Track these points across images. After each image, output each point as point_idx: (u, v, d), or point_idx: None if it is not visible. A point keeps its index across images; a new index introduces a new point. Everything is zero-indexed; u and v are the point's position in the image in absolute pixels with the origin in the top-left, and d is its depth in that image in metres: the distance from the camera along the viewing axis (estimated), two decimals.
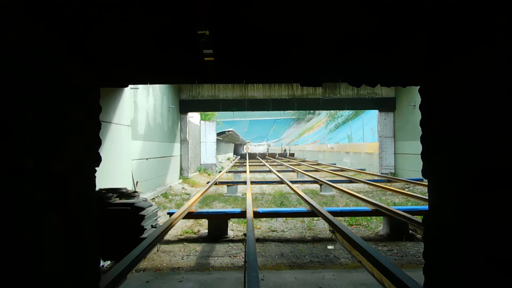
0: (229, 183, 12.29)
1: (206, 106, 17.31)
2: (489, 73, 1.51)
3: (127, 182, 8.67)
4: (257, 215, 6.01)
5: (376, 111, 18.03)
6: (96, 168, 2.06)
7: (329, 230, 5.49)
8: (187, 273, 4.15)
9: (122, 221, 4.53)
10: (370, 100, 16.73)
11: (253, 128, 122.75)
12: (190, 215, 6.02)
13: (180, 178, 15.74)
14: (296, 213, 6.31)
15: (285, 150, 58.00)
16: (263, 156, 48.37)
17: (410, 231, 5.68)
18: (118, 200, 4.82)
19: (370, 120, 28.54)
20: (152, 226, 4.88)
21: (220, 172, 18.13)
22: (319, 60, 2.20)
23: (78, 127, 1.87)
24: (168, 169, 13.62)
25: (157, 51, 2.14)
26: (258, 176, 16.63)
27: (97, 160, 2.06)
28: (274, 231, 6.33)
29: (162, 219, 6.39)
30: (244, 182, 12.07)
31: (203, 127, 21.47)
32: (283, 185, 12.10)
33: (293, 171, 18.22)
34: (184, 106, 16.61)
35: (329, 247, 5.27)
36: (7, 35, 1.32)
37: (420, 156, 2.14)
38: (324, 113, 67.99)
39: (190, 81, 3.03)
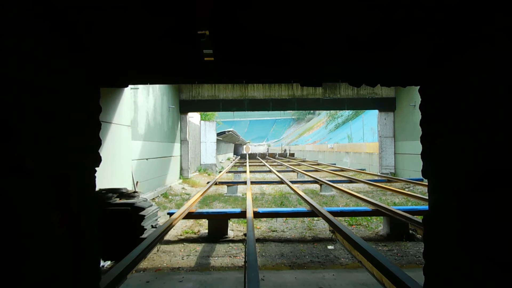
0: (229, 183, 12.29)
1: (206, 106, 17.31)
2: (489, 72, 1.51)
3: (127, 182, 8.67)
4: (257, 215, 6.01)
5: (376, 111, 18.03)
6: (96, 168, 2.06)
7: (329, 230, 5.49)
8: (187, 273, 4.16)
9: (122, 221, 4.53)
10: (370, 100, 16.73)
11: (253, 128, 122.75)
12: (190, 215, 6.02)
13: (180, 178, 15.74)
14: (296, 213, 6.32)
15: (285, 150, 57.98)
16: (263, 156, 48.36)
17: (410, 231, 5.68)
18: (118, 200, 4.82)
19: (370, 120, 28.54)
20: (152, 226, 4.87)
21: (220, 172, 18.13)
22: (319, 60, 2.20)
23: (78, 127, 1.87)
24: (168, 169, 13.62)
25: (157, 51, 2.14)
26: (258, 176, 16.63)
27: (97, 160, 2.06)
28: (274, 231, 6.33)
29: (162, 219, 6.39)
30: (244, 182, 12.07)
31: (203, 127, 21.47)
32: (283, 185, 12.10)
33: (293, 171, 18.22)
34: (184, 106, 16.61)
35: (329, 247, 5.27)
36: (8, 35, 1.32)
37: (420, 156, 2.14)
38: (324, 113, 67.98)
39: (190, 81, 3.03)
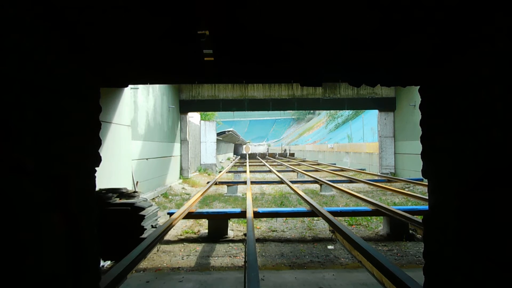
0: (229, 183, 12.29)
1: (206, 106, 17.31)
2: (489, 72, 1.51)
3: (127, 182, 8.67)
4: (257, 215, 6.01)
5: (376, 111, 18.03)
6: (96, 168, 2.06)
7: (329, 230, 5.49)
8: (187, 273, 4.16)
9: (122, 221, 4.53)
10: (370, 100, 16.73)
11: (253, 128, 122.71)
12: (190, 215, 6.02)
13: (180, 178, 15.74)
14: (296, 213, 6.32)
15: (285, 150, 57.98)
16: (263, 156, 48.36)
17: (410, 231, 5.68)
18: (118, 200, 4.82)
19: (370, 120, 28.53)
20: (152, 226, 4.88)
21: (220, 172, 18.13)
22: (319, 60, 2.20)
23: (78, 127, 1.87)
24: (168, 169, 13.62)
25: (157, 51, 2.14)
26: (258, 176, 16.63)
27: (97, 160, 2.06)
28: (274, 231, 6.33)
29: (162, 219, 6.39)
30: (244, 182, 12.07)
31: (203, 127, 21.47)
32: (283, 185, 12.10)
33: (293, 171, 18.22)
34: (184, 106, 16.61)
35: (329, 247, 5.27)
36: (8, 35, 1.32)
37: (420, 156, 2.14)
38: (324, 113, 67.94)
39: (190, 81, 3.03)
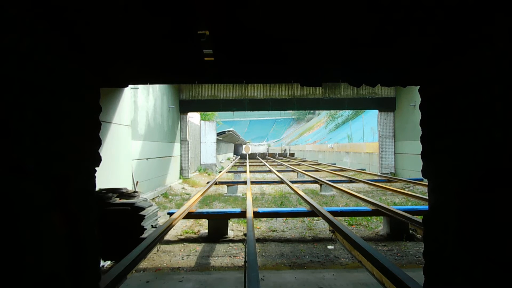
0: (229, 183, 12.29)
1: (206, 106, 17.31)
2: (489, 72, 1.51)
3: (127, 182, 8.67)
4: (257, 215, 6.01)
5: (376, 111, 18.03)
6: (96, 168, 2.06)
7: (329, 230, 5.49)
8: (187, 273, 4.16)
9: (122, 221, 4.53)
10: (370, 100, 16.74)
11: (253, 128, 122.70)
12: (190, 215, 6.02)
13: (180, 178, 15.74)
14: (296, 213, 6.31)
15: (285, 150, 58.00)
16: (263, 156, 48.37)
17: (410, 231, 5.68)
18: (118, 200, 4.82)
19: (370, 120, 28.53)
20: (152, 226, 4.87)
21: (220, 172, 18.13)
22: (319, 60, 2.19)
23: (78, 127, 1.87)
24: (168, 169, 13.62)
25: (158, 51, 2.14)
26: (258, 176, 16.63)
27: (97, 160, 2.06)
28: (274, 231, 6.33)
29: (162, 219, 6.39)
30: (244, 182, 12.07)
31: (203, 127, 21.47)
32: (283, 185, 12.10)
33: (293, 171, 18.22)
34: (184, 106, 16.61)
35: (329, 247, 5.27)
36: (7, 35, 1.32)
37: (420, 156, 2.14)
38: (324, 113, 67.91)
39: (190, 81, 3.03)
